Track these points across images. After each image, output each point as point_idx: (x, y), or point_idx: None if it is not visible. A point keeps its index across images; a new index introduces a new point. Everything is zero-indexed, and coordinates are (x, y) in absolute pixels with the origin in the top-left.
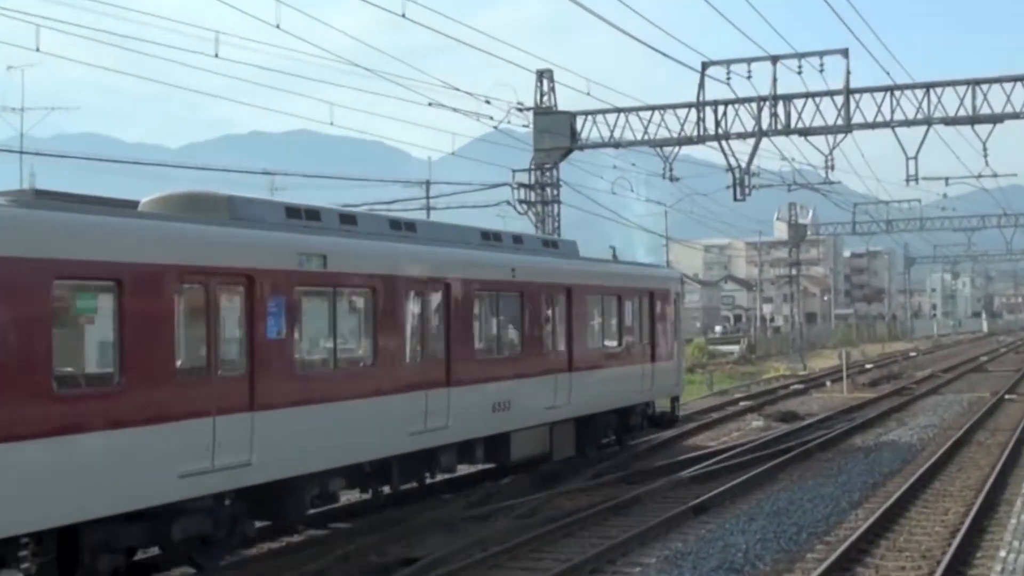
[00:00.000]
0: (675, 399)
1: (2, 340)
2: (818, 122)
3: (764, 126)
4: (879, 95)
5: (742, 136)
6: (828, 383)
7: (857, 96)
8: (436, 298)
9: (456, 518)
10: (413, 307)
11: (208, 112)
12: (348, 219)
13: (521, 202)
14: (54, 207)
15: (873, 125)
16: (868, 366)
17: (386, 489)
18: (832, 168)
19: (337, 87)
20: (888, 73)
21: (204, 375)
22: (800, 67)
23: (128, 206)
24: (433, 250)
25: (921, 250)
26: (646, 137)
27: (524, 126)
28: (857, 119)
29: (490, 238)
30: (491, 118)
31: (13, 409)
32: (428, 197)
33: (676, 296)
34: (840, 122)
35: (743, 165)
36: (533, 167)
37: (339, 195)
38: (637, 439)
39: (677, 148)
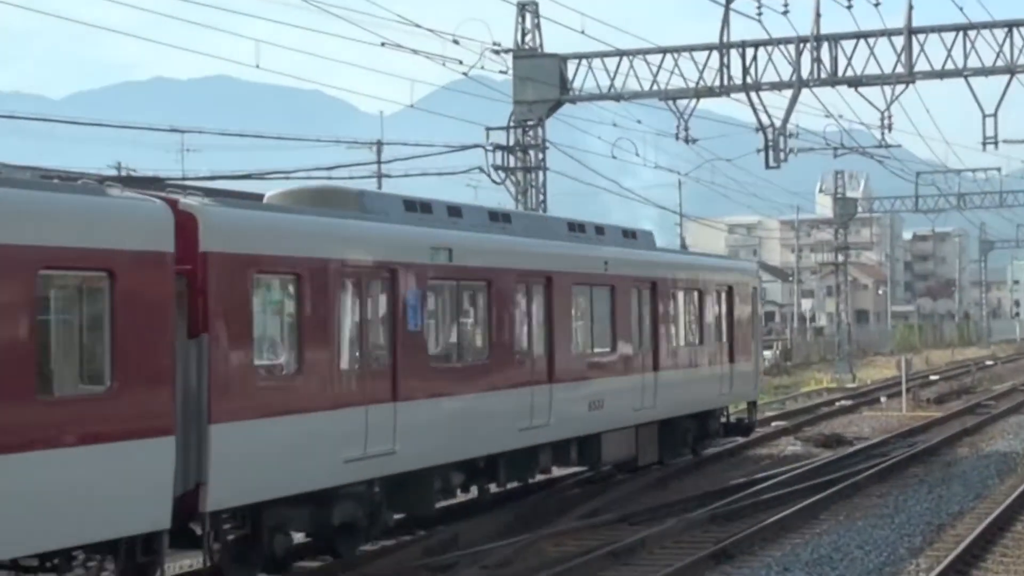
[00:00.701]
0: (752, 404)
1: (220, 337)
2: (872, 70)
3: (804, 74)
4: (949, 36)
5: (776, 87)
6: (883, 399)
7: (921, 37)
8: (540, 293)
9: (409, 568)
10: (521, 302)
11: (101, 53)
12: (455, 211)
13: (498, 168)
14: (247, 206)
15: (942, 74)
16: (933, 377)
17: (492, 487)
18: (890, 128)
19: (265, 22)
20: (961, 9)
21: (360, 365)
22: (850, 0)
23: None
24: (539, 243)
25: (1001, 231)
26: (655, 88)
27: (502, 72)
28: (921, 66)
29: (575, 229)
30: (460, 62)
31: (251, 392)
32: (380, 162)
33: (754, 291)
34: (900, 70)
35: (777, 124)
36: (513, 124)
37: (266, 158)
38: (713, 447)
39: (694, 101)
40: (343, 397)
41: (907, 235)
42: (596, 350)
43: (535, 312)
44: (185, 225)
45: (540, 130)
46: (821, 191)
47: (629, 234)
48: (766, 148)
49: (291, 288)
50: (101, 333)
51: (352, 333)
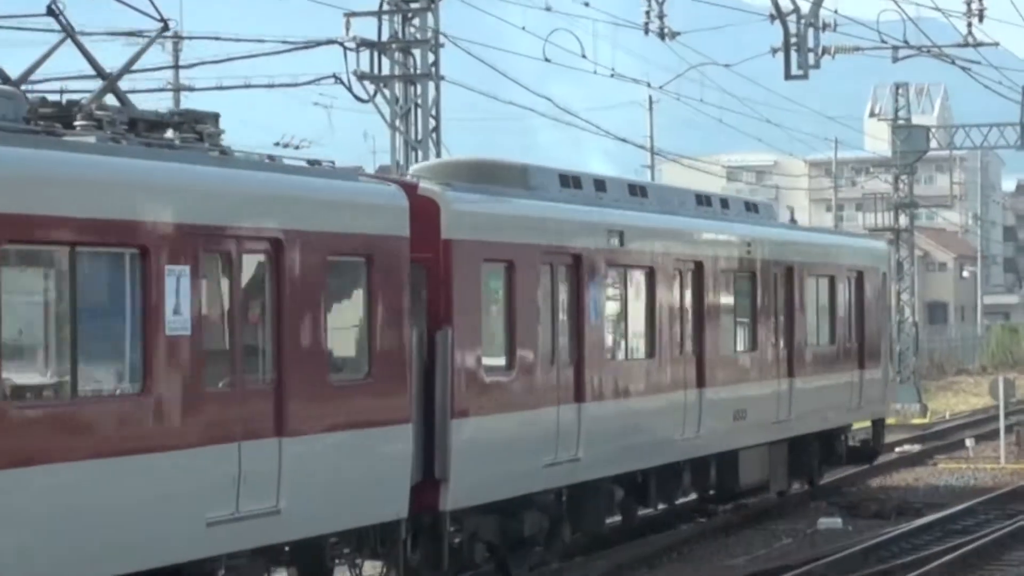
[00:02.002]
0: (879, 423)
1: (462, 329)
2: None
3: None
4: None
5: None
6: (970, 441)
7: None
8: (691, 283)
9: None
10: (676, 293)
11: None
12: (600, 185)
13: (364, 78)
14: (471, 190)
15: None
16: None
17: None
18: (980, 17)
19: None
20: None
21: (551, 361)
22: None
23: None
24: (691, 224)
25: None
26: None
27: None
28: None
29: (703, 202)
30: None
31: (483, 387)
32: (178, 66)
33: (884, 277)
34: None
35: (804, 8)
36: (388, 8)
37: None
38: (832, 475)
39: None
40: (544, 395)
41: (1008, 184)
42: (739, 350)
43: (686, 305)
44: (423, 210)
45: (430, 17)
46: (873, 116)
47: (751, 207)
48: (786, 47)
49: (505, 277)
50: (360, 319)
51: (552, 325)
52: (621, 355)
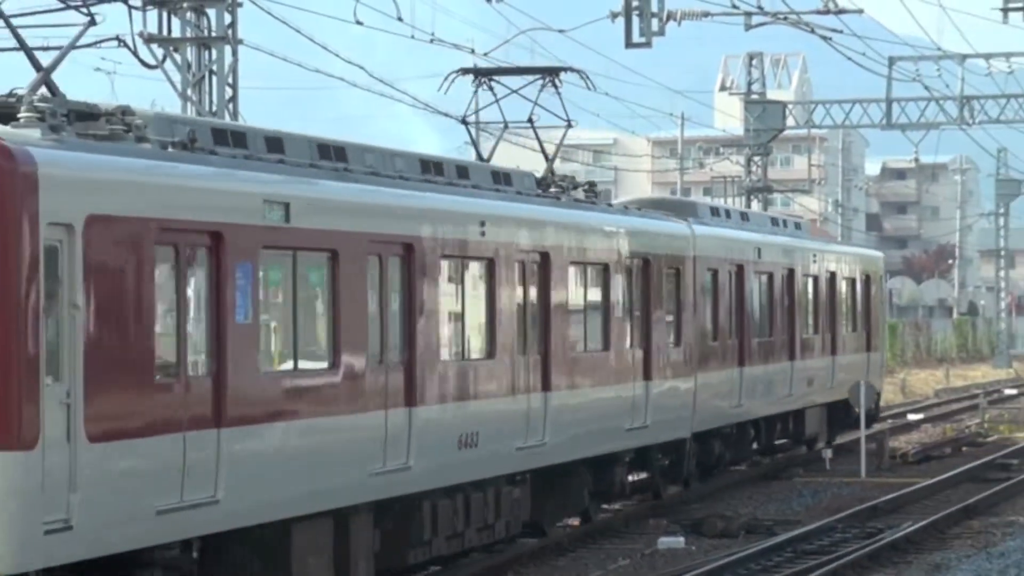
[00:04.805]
0: (877, 395)
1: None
2: None
3: None
4: None
5: None
6: (828, 453)
7: None
8: (782, 284)
9: None
10: (776, 291)
11: None
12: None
13: (151, 40)
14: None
15: None
16: (914, 417)
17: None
18: None
19: None
20: None
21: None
22: None
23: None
24: (790, 238)
25: None
26: None
27: None
28: None
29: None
30: None
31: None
32: None
33: (881, 278)
34: None
35: None
36: None
37: None
38: (843, 438)
39: None
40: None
41: (872, 168)
42: (809, 333)
43: (782, 299)
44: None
45: None
46: (724, 90)
47: (780, 223)
48: (627, 12)
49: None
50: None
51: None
52: (765, 334)
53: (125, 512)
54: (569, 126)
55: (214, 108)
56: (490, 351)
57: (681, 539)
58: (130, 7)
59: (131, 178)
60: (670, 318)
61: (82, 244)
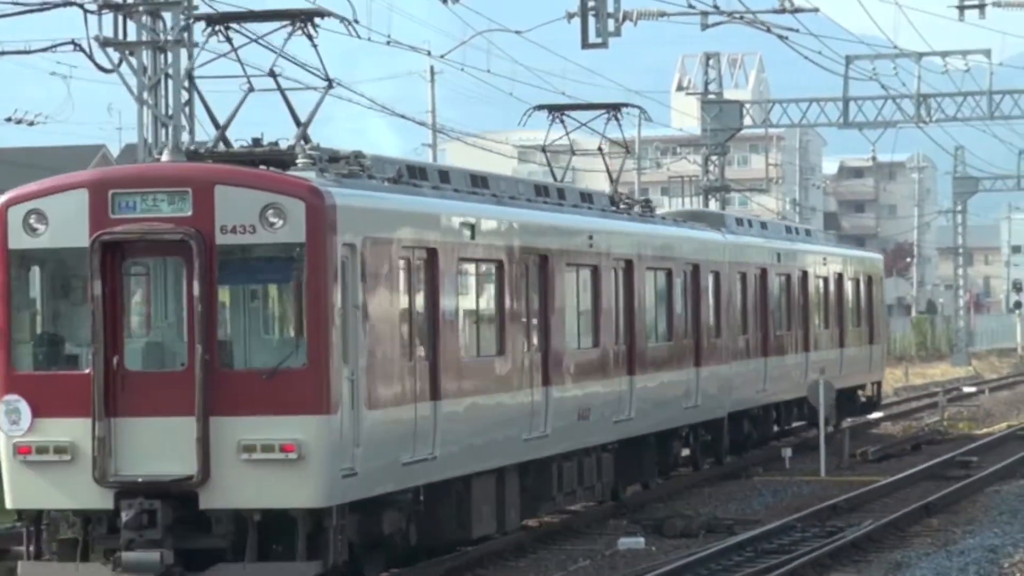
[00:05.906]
0: (878, 384)
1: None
2: None
3: None
4: None
5: None
6: (787, 452)
7: None
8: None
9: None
10: (793, 292)
11: None
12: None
13: (107, 44)
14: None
15: None
16: (874, 416)
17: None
18: None
19: None
20: None
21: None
22: None
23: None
24: (836, 247)
25: (992, 159)
26: None
27: None
28: None
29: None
30: None
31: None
32: None
33: (881, 279)
34: None
35: None
36: None
37: None
38: (857, 418)
39: None
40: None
41: (830, 167)
42: (821, 328)
43: (798, 298)
44: None
45: None
46: (680, 90)
47: (793, 230)
48: (583, 12)
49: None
50: None
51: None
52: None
53: (385, 463)
54: (627, 152)
55: (170, 112)
56: (596, 341)
57: (641, 539)
58: (86, 11)
59: (387, 207)
60: (712, 314)
61: (360, 259)
